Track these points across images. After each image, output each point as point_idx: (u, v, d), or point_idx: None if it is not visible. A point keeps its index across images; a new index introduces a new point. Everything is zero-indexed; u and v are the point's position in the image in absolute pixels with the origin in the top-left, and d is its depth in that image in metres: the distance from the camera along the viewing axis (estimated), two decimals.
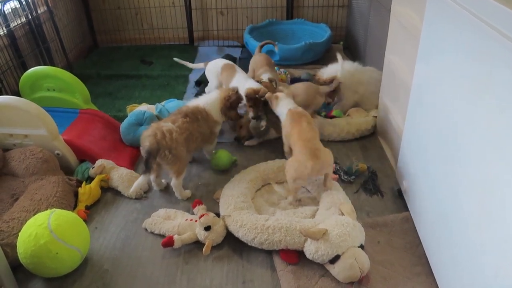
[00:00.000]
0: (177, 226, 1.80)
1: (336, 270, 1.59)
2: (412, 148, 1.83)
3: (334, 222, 1.65)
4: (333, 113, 2.63)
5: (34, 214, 1.74)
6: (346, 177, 2.14)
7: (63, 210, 1.71)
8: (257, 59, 2.74)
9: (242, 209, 1.83)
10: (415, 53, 1.74)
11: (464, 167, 1.30)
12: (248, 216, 1.77)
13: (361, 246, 1.63)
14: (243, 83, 2.32)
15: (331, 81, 2.54)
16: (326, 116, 2.60)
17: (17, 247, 1.57)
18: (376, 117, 2.53)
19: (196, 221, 1.78)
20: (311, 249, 1.63)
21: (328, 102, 2.59)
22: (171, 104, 2.54)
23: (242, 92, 2.25)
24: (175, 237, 1.74)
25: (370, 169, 2.18)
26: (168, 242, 1.73)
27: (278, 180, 2.13)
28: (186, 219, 1.82)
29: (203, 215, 1.76)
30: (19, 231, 1.66)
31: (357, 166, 2.15)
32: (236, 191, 1.94)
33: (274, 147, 2.41)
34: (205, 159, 2.32)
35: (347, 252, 1.58)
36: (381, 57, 2.44)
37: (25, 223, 1.69)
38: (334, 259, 1.59)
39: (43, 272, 1.59)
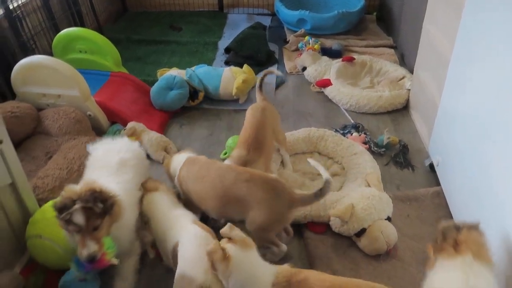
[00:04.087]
0: None
1: (362, 243, 1.58)
2: (447, 122, 1.77)
3: (360, 195, 1.64)
4: None
5: (67, 173, 1.79)
6: (376, 149, 2.10)
7: None
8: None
9: None
10: (457, 24, 1.65)
11: (500, 145, 1.24)
12: None
13: (388, 219, 1.61)
14: None
15: None
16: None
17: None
18: (409, 90, 2.45)
19: None
20: (336, 223, 1.62)
21: None
22: (201, 70, 2.52)
23: None
24: None
25: (401, 143, 2.13)
26: None
27: (306, 151, 2.11)
28: None
29: None
30: (54, 187, 1.71)
31: (389, 138, 2.10)
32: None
33: None
34: None
35: (373, 226, 1.57)
36: (417, 29, 2.33)
37: (58, 180, 1.74)
38: (360, 233, 1.58)
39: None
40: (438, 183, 1.87)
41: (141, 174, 1.60)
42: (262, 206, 1.39)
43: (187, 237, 1.29)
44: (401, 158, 2.06)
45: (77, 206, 1.20)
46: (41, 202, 1.61)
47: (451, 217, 1.68)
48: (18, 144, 2.00)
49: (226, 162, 1.65)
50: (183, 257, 1.24)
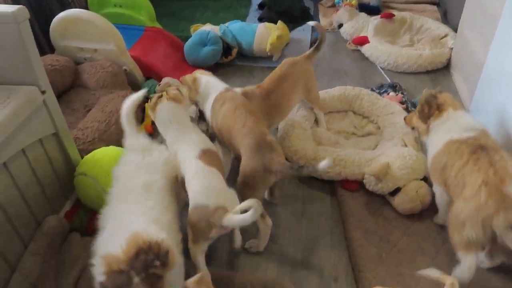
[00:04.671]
0: None
1: (396, 202, 1.57)
2: (492, 82, 1.69)
3: (396, 154, 1.61)
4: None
5: (105, 125, 1.84)
6: (413, 109, 2.04)
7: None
8: None
9: (301, 140, 1.81)
10: None
11: None
12: (307, 147, 1.75)
13: (424, 179, 1.59)
14: None
15: None
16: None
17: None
18: (452, 49, 2.33)
19: None
20: (371, 181, 1.61)
21: None
22: (235, 26, 2.48)
23: None
24: None
25: None
26: None
27: (340, 109, 2.07)
28: None
29: None
30: (93, 138, 1.77)
31: None
32: (295, 120, 1.90)
33: None
34: None
35: (408, 185, 1.55)
36: None
37: (97, 132, 1.79)
38: (395, 192, 1.57)
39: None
40: None
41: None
42: (245, 158, 1.40)
43: (190, 173, 1.32)
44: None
45: (136, 280, 0.99)
46: (81, 153, 1.67)
47: None
48: (57, 96, 2.04)
49: (237, 89, 1.66)
50: (191, 192, 1.28)
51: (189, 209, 1.26)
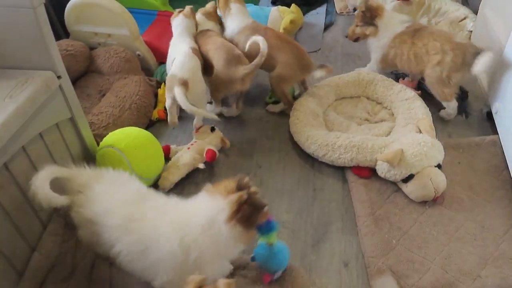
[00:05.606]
0: None
1: (409, 189, 1.56)
2: None
3: (411, 141, 1.59)
4: None
5: (119, 110, 1.86)
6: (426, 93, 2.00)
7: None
8: None
9: (313, 125, 1.81)
10: None
11: None
12: (318, 133, 1.75)
13: (439, 166, 1.57)
14: None
15: None
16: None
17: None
18: (471, 32, 2.27)
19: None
20: (383, 168, 1.60)
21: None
22: (248, 10, 2.44)
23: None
24: (172, 147, 1.82)
25: (461, 88, 2.00)
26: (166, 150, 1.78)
27: (354, 95, 2.05)
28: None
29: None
30: (108, 124, 1.79)
31: None
32: (307, 106, 1.90)
33: None
34: None
35: (422, 172, 1.54)
36: None
37: (111, 117, 1.82)
38: (408, 178, 1.56)
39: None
40: (492, 133, 1.78)
41: None
42: (216, 67, 1.81)
43: (180, 54, 1.78)
44: (457, 103, 1.95)
45: None
46: (96, 138, 1.70)
47: (506, 166, 1.61)
48: (72, 81, 2.06)
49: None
50: (174, 65, 1.76)
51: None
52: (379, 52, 1.98)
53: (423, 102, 1.86)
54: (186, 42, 1.88)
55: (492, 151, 1.69)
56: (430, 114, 1.80)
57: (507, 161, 1.61)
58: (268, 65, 1.87)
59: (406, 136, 1.65)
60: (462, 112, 1.93)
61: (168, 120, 1.81)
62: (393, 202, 1.57)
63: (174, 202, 1.18)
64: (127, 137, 1.59)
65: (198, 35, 2.00)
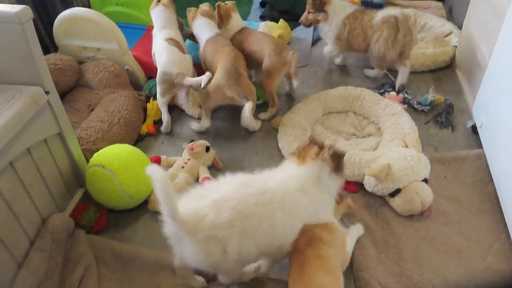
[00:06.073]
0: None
1: (396, 203, 1.58)
2: (496, 81, 1.68)
3: (397, 155, 1.61)
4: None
5: (108, 125, 1.85)
6: (419, 106, 2.04)
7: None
8: None
9: (302, 140, 1.81)
10: None
11: None
12: None
13: (425, 180, 1.59)
14: None
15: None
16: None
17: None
18: (456, 47, 2.32)
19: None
20: (370, 183, 1.62)
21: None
22: None
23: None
24: (163, 157, 1.82)
25: (447, 102, 2.05)
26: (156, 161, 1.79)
27: (341, 110, 2.07)
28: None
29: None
30: (96, 138, 1.79)
31: (434, 97, 2.02)
32: (295, 120, 1.92)
33: None
34: None
35: (408, 186, 1.55)
36: None
37: (100, 132, 1.81)
38: (395, 193, 1.57)
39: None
40: (477, 146, 1.82)
41: None
42: (217, 74, 1.86)
43: (158, 49, 1.95)
44: (443, 117, 1.99)
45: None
46: (84, 152, 1.70)
47: (491, 180, 1.64)
48: (61, 96, 2.06)
49: None
50: (158, 62, 1.92)
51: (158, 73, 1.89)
52: (332, 34, 2.17)
53: (409, 116, 1.89)
54: (162, 33, 1.99)
55: (478, 165, 1.72)
56: (416, 129, 1.83)
57: (492, 175, 1.64)
58: (256, 61, 2.00)
59: (393, 151, 1.67)
60: (448, 125, 1.96)
61: (162, 118, 1.96)
62: (381, 216, 1.58)
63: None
64: (118, 157, 1.57)
65: (212, 41, 2.03)
